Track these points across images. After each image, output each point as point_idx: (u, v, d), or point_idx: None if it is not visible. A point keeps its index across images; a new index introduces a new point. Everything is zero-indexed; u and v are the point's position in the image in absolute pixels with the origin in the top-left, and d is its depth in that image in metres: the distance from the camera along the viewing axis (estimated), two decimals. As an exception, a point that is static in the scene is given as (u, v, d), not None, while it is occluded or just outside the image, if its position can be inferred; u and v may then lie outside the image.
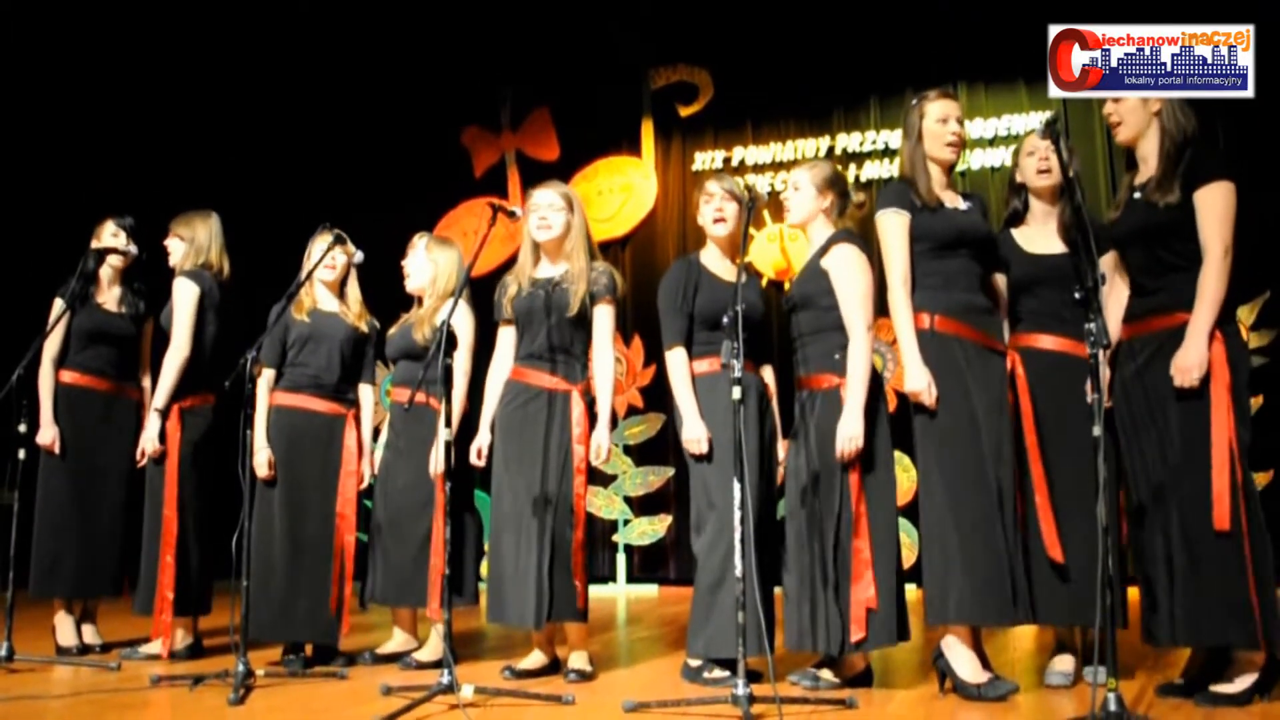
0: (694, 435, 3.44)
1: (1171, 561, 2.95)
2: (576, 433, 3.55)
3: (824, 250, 3.36)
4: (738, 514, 2.90)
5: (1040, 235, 3.44)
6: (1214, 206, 2.95)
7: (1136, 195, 3.12)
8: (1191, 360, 2.90)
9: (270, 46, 8.00)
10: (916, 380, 3.15)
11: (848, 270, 3.29)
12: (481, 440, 3.67)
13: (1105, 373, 3.19)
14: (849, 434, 3.16)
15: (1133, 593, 3.26)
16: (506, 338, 3.75)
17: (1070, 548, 3.18)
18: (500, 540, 3.55)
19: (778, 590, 3.42)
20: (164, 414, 4.06)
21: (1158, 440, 3.01)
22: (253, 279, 5.23)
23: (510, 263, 3.86)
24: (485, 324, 4.06)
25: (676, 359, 3.53)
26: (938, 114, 3.33)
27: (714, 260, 3.65)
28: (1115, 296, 3.26)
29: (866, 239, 3.43)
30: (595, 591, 4.35)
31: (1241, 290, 2.99)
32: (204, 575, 4.10)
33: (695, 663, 3.44)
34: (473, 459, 3.70)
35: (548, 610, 3.43)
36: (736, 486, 2.90)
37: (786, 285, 7.25)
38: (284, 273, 4.23)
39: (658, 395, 7.44)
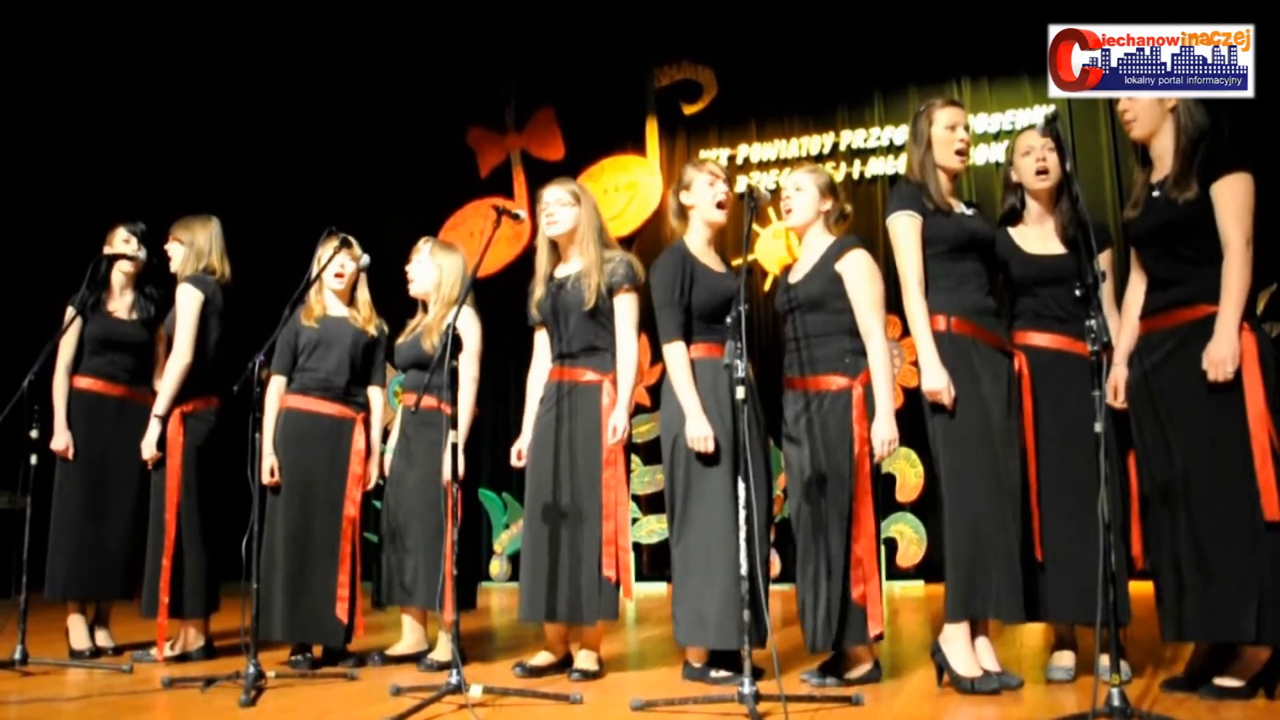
0: (699, 434, 3.37)
1: (1197, 557, 2.92)
2: (606, 424, 3.56)
3: (838, 254, 3.37)
4: (743, 512, 2.92)
5: (1038, 235, 3.44)
6: (1232, 199, 2.94)
7: (1155, 194, 3.12)
8: (1225, 352, 2.88)
9: (274, 50, 8.02)
10: (935, 380, 3.17)
11: (864, 275, 3.32)
12: (522, 442, 3.71)
13: (1121, 371, 3.21)
14: (886, 437, 3.21)
15: (1138, 587, 3.27)
16: (541, 341, 3.79)
17: (1070, 545, 3.19)
18: (528, 537, 3.59)
19: (784, 588, 3.44)
20: (164, 419, 4.09)
21: (1178, 434, 2.99)
22: (258, 282, 5.26)
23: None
24: (494, 327, 4.08)
25: (676, 353, 3.47)
26: (946, 121, 3.35)
27: (700, 249, 3.61)
28: (1133, 294, 3.26)
29: (872, 244, 3.45)
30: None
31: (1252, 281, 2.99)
32: (212, 578, 4.12)
33: (697, 663, 3.46)
34: (513, 460, 3.75)
35: (569, 608, 3.47)
36: (741, 485, 2.92)
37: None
38: (289, 276, 4.26)
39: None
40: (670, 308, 3.48)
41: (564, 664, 3.65)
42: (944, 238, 3.29)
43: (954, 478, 3.20)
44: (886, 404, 3.23)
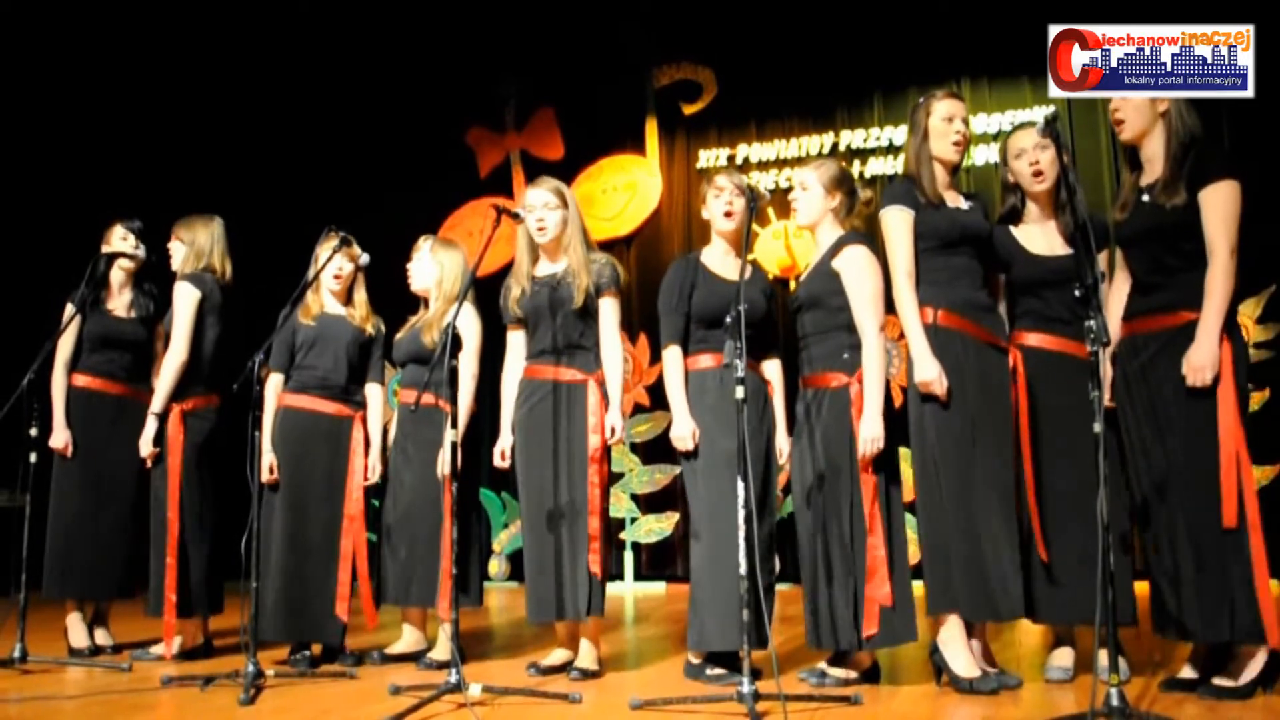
0: (681, 432, 3.48)
1: (1177, 558, 2.96)
2: (592, 422, 3.57)
3: (835, 251, 3.36)
4: (741, 513, 2.93)
5: (1042, 235, 3.43)
6: (1219, 206, 2.95)
7: (1145, 198, 3.12)
8: (1205, 359, 2.90)
9: (275, 49, 8.02)
10: (927, 371, 3.17)
11: (859, 271, 3.29)
12: (503, 443, 3.70)
13: (1107, 370, 3.21)
14: (871, 435, 3.17)
15: (1140, 587, 3.27)
16: (516, 340, 3.79)
17: (1068, 546, 3.19)
18: (529, 539, 3.60)
19: (784, 587, 3.45)
20: (161, 417, 4.09)
21: (1161, 437, 3.02)
22: (259, 281, 5.26)
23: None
24: (493, 325, 4.08)
25: (670, 358, 3.57)
26: (944, 113, 3.36)
27: (716, 258, 3.64)
28: (1116, 293, 3.27)
29: (872, 237, 3.44)
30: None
31: (1246, 284, 2.99)
32: (213, 575, 4.13)
33: (696, 660, 3.46)
34: (496, 461, 3.74)
35: (573, 605, 3.48)
36: (740, 485, 2.92)
37: (792, 284, 7.29)
38: (290, 275, 4.26)
39: (664, 394, 7.42)
40: (669, 314, 3.58)
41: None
42: (935, 232, 3.29)
43: (929, 472, 3.21)
44: (875, 401, 3.20)
